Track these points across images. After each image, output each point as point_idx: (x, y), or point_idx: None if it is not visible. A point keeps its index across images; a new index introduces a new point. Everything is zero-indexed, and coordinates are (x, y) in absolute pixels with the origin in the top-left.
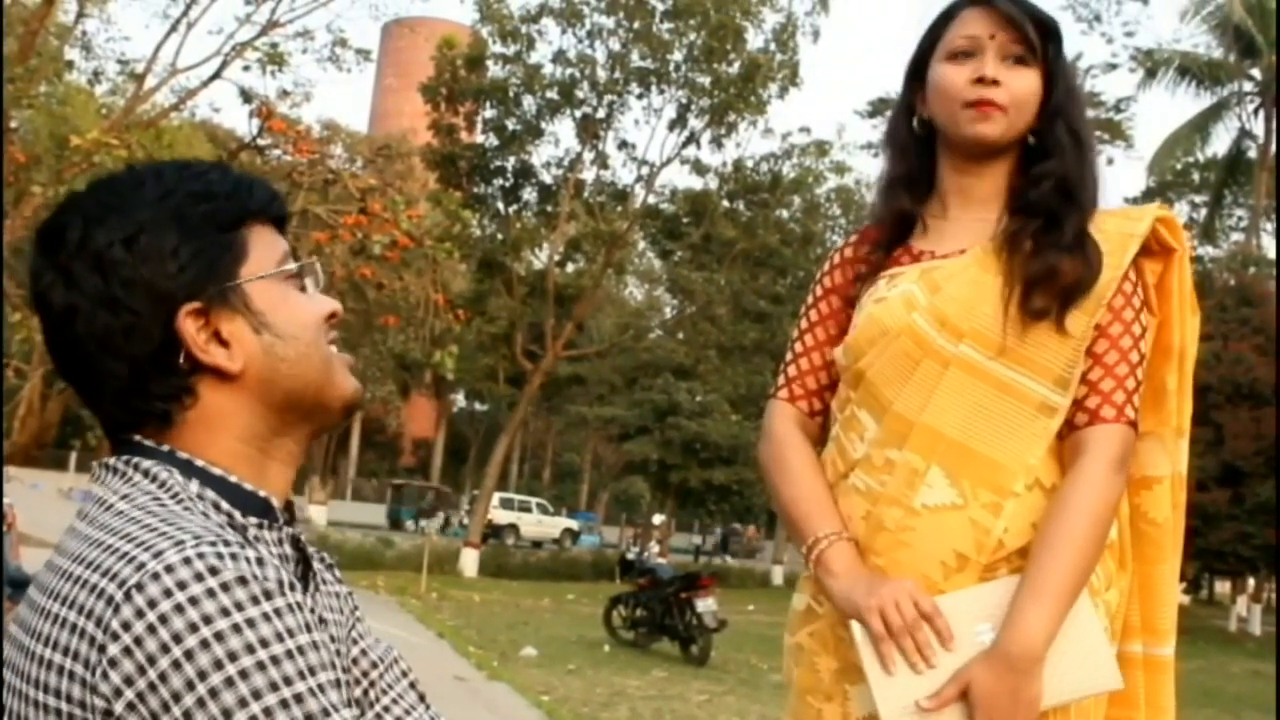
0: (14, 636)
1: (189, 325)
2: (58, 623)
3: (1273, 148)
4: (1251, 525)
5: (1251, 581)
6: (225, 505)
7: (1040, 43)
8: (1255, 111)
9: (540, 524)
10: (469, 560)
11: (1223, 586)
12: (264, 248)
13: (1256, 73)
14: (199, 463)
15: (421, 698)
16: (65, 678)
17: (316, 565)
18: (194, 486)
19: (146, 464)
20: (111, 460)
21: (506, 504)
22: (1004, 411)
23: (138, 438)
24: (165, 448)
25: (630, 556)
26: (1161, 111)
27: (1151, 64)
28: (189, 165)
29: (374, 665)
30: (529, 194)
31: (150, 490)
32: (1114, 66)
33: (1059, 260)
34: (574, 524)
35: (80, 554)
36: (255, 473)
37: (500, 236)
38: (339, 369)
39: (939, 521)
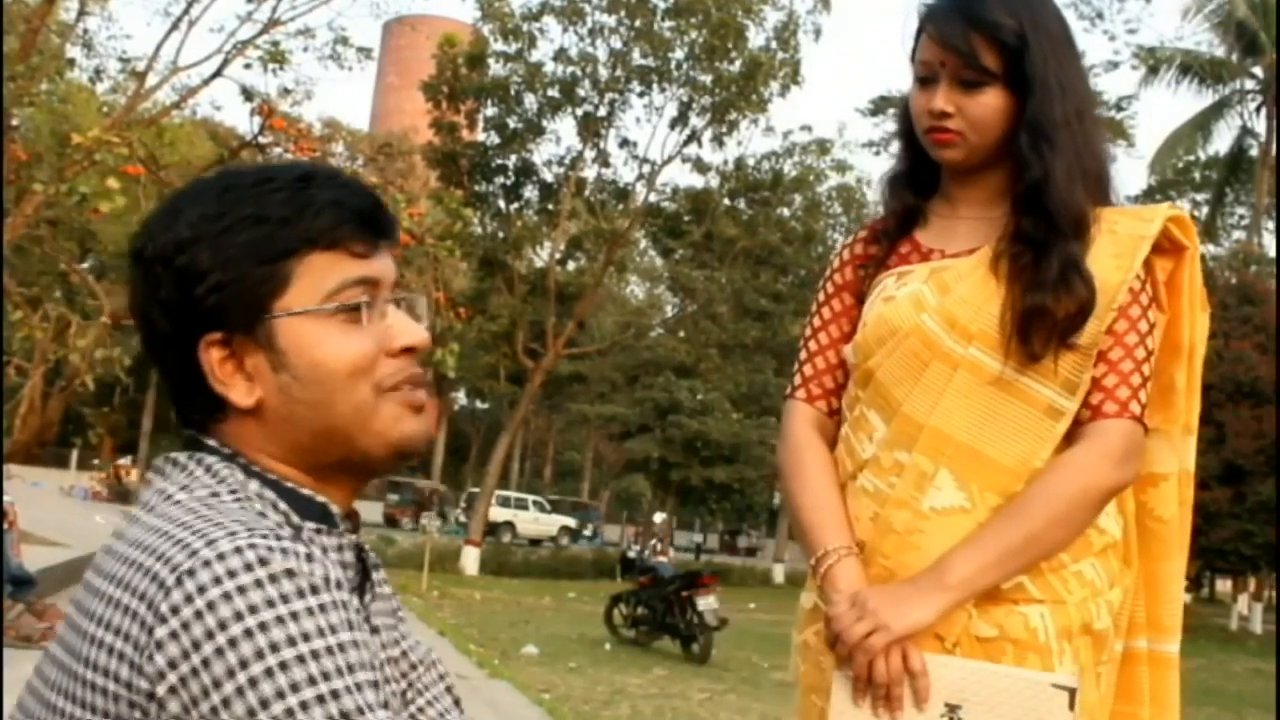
0: (69, 617)
1: (211, 354)
2: (111, 604)
3: (1274, 146)
4: (1253, 524)
5: (1253, 580)
6: (283, 505)
7: (1002, 58)
8: (1257, 109)
9: (537, 522)
10: (470, 558)
11: (1224, 585)
12: (312, 278)
13: (1259, 70)
14: (257, 466)
15: (456, 702)
16: (115, 657)
17: (374, 575)
18: (254, 486)
19: (209, 460)
20: (176, 455)
21: (503, 501)
22: (1012, 415)
23: (202, 437)
24: (228, 449)
25: (631, 555)
26: (1163, 109)
27: (1154, 62)
28: (269, 179)
29: (414, 666)
30: (530, 192)
31: (209, 485)
32: (1116, 64)
33: (1044, 299)
34: (571, 522)
35: (138, 539)
36: (310, 485)
37: (501, 234)
38: (384, 415)
39: (947, 524)
